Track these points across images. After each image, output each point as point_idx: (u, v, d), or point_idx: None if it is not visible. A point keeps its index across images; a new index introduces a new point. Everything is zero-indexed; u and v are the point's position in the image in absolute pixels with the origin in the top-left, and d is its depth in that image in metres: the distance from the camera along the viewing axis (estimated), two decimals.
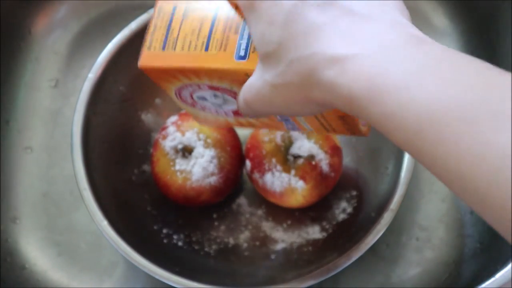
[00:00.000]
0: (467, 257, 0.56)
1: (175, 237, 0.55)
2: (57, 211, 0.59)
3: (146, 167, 0.58)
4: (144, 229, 0.55)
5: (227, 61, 0.34)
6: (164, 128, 0.55)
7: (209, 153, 0.53)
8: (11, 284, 0.55)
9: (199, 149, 0.54)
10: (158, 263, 0.48)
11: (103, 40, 0.55)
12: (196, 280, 0.48)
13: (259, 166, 0.53)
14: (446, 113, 0.24)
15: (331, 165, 0.53)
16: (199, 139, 0.54)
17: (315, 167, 0.52)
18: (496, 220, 0.24)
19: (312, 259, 0.53)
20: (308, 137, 0.53)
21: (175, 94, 0.40)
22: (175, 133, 0.54)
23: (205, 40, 0.35)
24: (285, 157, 0.53)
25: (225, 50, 0.34)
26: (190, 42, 0.35)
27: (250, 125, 0.43)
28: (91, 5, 0.67)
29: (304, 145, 0.53)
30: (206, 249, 0.55)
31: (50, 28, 0.66)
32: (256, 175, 0.54)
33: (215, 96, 0.38)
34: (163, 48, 0.35)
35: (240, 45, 0.34)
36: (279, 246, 0.55)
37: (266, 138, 0.53)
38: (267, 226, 0.57)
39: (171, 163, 0.54)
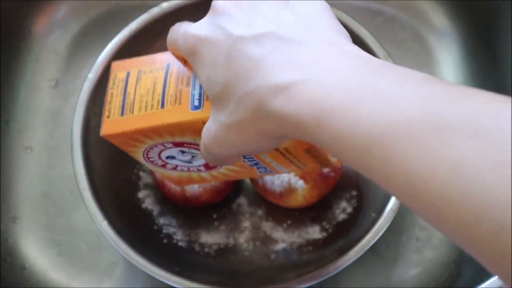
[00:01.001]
0: (467, 257, 0.56)
1: (175, 237, 0.55)
2: (57, 211, 0.59)
3: (146, 167, 0.58)
4: (144, 229, 0.55)
5: (183, 114, 0.34)
6: None
7: None
8: (11, 284, 0.55)
9: None
10: (158, 263, 0.48)
11: (103, 40, 0.55)
12: (196, 280, 0.48)
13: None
14: (390, 129, 0.24)
15: None
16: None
17: None
18: (452, 234, 0.24)
19: (312, 259, 0.53)
20: None
21: (144, 158, 0.40)
22: None
23: (160, 98, 0.35)
24: None
25: (180, 103, 0.35)
26: (146, 102, 0.35)
27: (225, 177, 0.43)
28: (91, 5, 0.67)
29: None
30: (206, 249, 0.55)
31: (50, 28, 0.66)
32: None
33: (183, 152, 0.39)
34: (122, 113, 0.36)
35: (193, 96, 0.35)
36: (279, 246, 0.55)
37: None
38: (267, 226, 0.57)
39: None
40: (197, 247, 0.55)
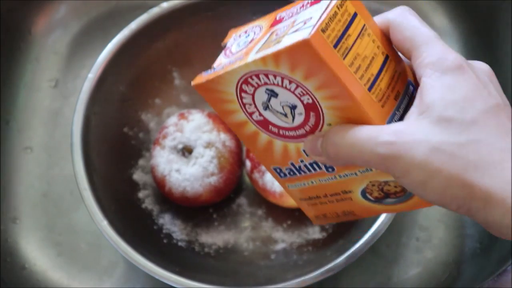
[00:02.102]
0: (467, 257, 0.56)
1: (175, 237, 0.55)
2: (57, 211, 0.59)
3: (146, 167, 0.58)
4: (144, 229, 0.55)
5: (378, 117, 0.32)
6: (164, 128, 0.55)
7: (209, 153, 0.53)
8: (11, 284, 0.55)
9: (199, 149, 0.54)
10: (158, 263, 0.48)
11: (103, 40, 0.55)
12: (196, 280, 0.48)
13: (259, 166, 0.53)
14: None
15: None
16: (199, 139, 0.54)
17: None
18: None
19: (312, 259, 0.53)
20: None
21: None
22: (175, 133, 0.54)
23: (372, 79, 0.32)
24: None
25: (383, 106, 0.32)
26: (359, 67, 0.32)
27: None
28: (91, 5, 0.67)
29: None
30: (206, 249, 0.55)
31: (50, 28, 0.66)
32: (256, 175, 0.54)
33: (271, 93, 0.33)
34: (335, 46, 0.31)
35: (394, 115, 0.32)
36: (279, 246, 0.55)
37: None
38: (267, 226, 0.57)
39: None
40: (197, 247, 0.55)
